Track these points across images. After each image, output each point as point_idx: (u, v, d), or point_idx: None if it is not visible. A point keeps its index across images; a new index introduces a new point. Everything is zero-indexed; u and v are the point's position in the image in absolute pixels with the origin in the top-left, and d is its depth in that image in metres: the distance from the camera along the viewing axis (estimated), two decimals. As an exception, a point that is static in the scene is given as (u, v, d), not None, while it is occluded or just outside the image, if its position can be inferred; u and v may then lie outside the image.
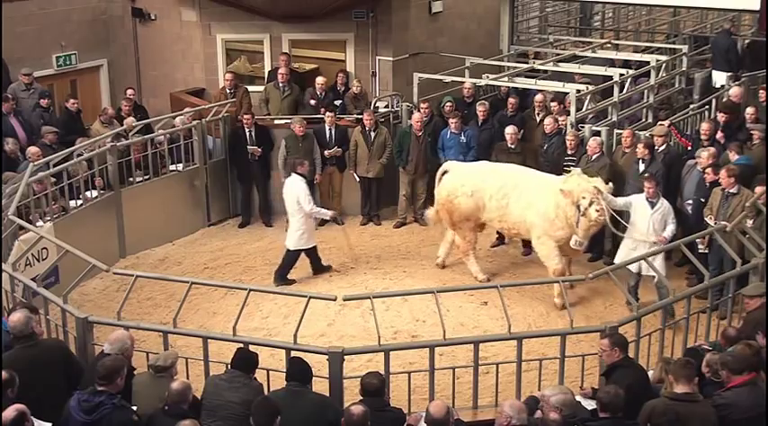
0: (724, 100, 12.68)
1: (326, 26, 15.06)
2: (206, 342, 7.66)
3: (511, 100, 13.25)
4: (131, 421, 6.15)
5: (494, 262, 12.02)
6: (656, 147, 11.20)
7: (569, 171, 10.88)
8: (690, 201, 10.75)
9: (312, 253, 11.54)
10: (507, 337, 7.79)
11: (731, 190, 9.94)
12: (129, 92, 14.14)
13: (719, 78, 14.87)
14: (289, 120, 13.17)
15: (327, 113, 13.04)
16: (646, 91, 13.78)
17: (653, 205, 10.08)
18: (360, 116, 13.26)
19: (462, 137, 12.61)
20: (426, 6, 16.05)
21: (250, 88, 14.32)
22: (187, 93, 15.10)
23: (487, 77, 13.69)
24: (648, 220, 10.03)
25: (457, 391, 7.85)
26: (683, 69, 14.76)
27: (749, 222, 9.26)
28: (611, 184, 10.23)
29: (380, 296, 9.69)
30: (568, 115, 12.38)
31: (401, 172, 13.13)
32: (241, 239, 13.00)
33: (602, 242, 11.59)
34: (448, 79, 13.90)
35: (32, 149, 11.48)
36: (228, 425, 6.47)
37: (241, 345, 7.20)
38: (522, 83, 13.67)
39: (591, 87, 13.15)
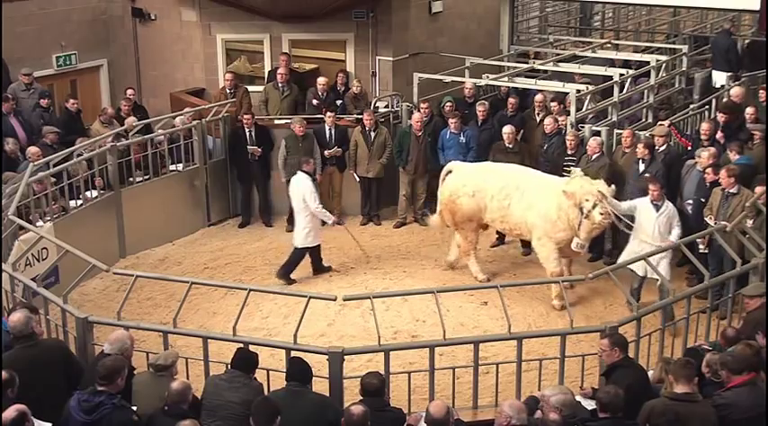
0: (724, 100, 12.68)
1: (326, 26, 15.06)
2: (206, 342, 7.66)
3: (511, 100, 13.25)
4: (131, 421, 6.15)
5: (494, 262, 12.03)
6: (657, 147, 11.20)
7: (569, 171, 10.89)
8: (690, 201, 10.75)
9: (314, 253, 11.56)
10: (507, 337, 7.79)
11: (731, 190, 9.93)
12: (129, 92, 14.15)
13: (719, 78, 14.88)
14: (289, 120, 13.17)
15: (328, 113, 13.05)
16: (646, 91, 13.78)
17: (658, 208, 10.02)
18: (360, 116, 13.26)
19: (462, 138, 12.61)
20: (426, 6, 16.05)
21: (250, 88, 14.32)
22: (187, 93, 15.11)
23: (487, 77, 13.69)
24: (654, 223, 9.98)
25: (457, 391, 7.85)
26: (683, 69, 14.76)
27: (749, 222, 9.25)
28: (613, 187, 10.21)
29: (380, 296, 9.69)
30: (568, 115, 12.39)
31: (401, 172, 13.13)
32: (241, 239, 13.01)
33: (602, 242, 11.59)
34: (448, 79, 13.90)
35: (32, 149, 11.48)
36: (228, 425, 6.47)
37: (241, 345, 7.20)
38: (522, 83, 13.67)
39: (591, 87, 13.15)
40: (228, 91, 13.81)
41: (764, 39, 14.37)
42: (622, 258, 10.17)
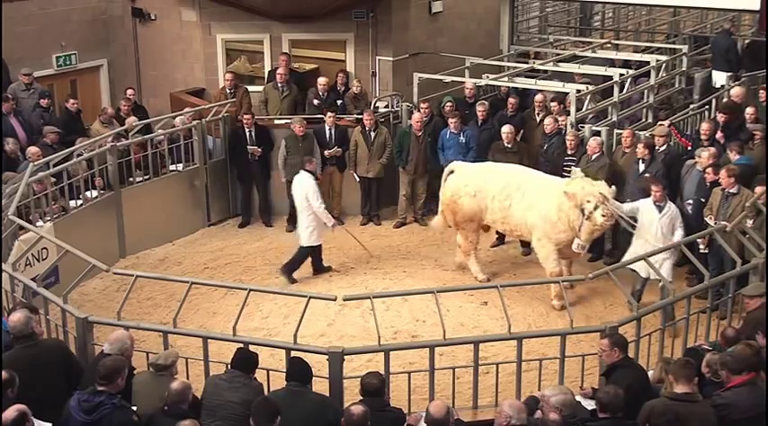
0: (725, 100, 12.68)
1: (326, 26, 15.06)
2: (206, 342, 7.66)
3: (511, 100, 13.25)
4: (131, 421, 6.15)
5: (494, 262, 12.02)
6: (657, 147, 11.20)
7: (569, 171, 10.88)
8: (690, 201, 10.74)
9: (315, 253, 11.56)
10: (507, 337, 7.79)
11: (731, 190, 9.93)
12: (129, 92, 14.15)
13: (719, 78, 14.88)
14: (289, 120, 13.17)
15: (328, 113, 13.05)
16: (646, 91, 13.78)
17: (660, 209, 10.00)
18: (360, 116, 13.26)
19: (461, 138, 12.61)
20: (426, 6, 16.05)
21: (250, 88, 14.32)
22: (187, 93, 15.10)
23: (487, 77, 13.69)
24: (656, 225, 9.96)
25: (457, 391, 7.84)
26: (683, 69, 14.76)
27: (749, 222, 9.25)
28: (613, 188, 10.19)
29: (380, 296, 9.69)
30: (568, 115, 12.39)
31: (401, 172, 13.13)
32: (241, 239, 13.01)
33: (602, 242, 11.59)
34: (448, 79, 13.90)
35: (32, 149, 11.48)
36: (228, 425, 6.47)
37: (241, 345, 7.21)
38: (522, 83, 13.67)
39: (591, 87, 13.15)
40: (228, 91, 13.81)
41: (764, 39, 14.37)
42: (625, 260, 10.14)
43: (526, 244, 11.78)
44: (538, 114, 12.83)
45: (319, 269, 11.66)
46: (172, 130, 12.90)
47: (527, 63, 15.09)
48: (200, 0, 15.06)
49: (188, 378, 7.42)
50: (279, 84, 13.87)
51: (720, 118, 11.74)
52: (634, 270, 9.97)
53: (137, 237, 12.33)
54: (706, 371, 6.69)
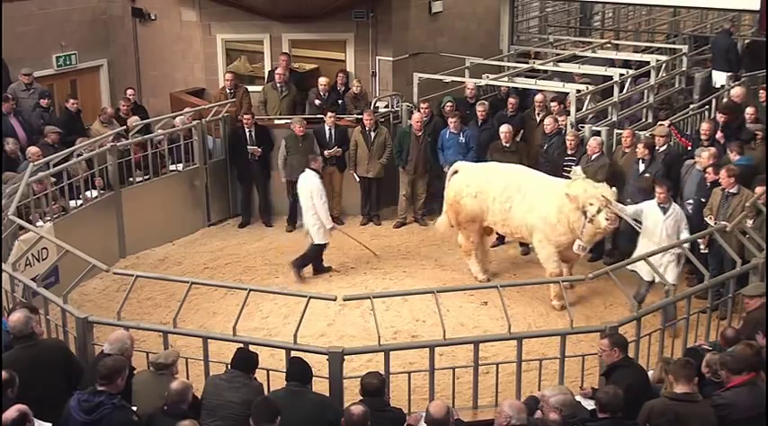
0: (725, 100, 12.68)
1: (326, 26, 15.06)
2: (206, 342, 7.66)
3: (511, 100, 13.25)
4: (131, 422, 6.15)
5: (494, 262, 12.02)
6: (657, 147, 11.20)
7: (569, 171, 10.87)
8: (690, 201, 10.74)
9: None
10: (507, 337, 7.79)
11: (731, 190, 9.93)
12: (129, 92, 14.15)
13: (719, 78, 14.88)
14: (288, 120, 13.17)
15: (328, 113, 13.04)
16: (646, 91, 13.78)
17: (665, 211, 9.94)
18: (360, 116, 13.26)
19: (461, 138, 12.61)
20: (426, 6, 16.05)
21: (250, 88, 14.32)
22: (187, 93, 15.11)
23: (487, 77, 13.69)
24: (661, 226, 9.90)
25: (457, 391, 7.85)
26: (683, 69, 14.76)
27: (749, 222, 9.25)
28: (614, 189, 10.16)
29: (380, 296, 9.69)
30: (568, 115, 12.38)
31: (401, 172, 13.13)
32: (241, 239, 13.01)
33: (603, 242, 11.57)
34: (448, 79, 13.89)
35: (32, 149, 11.48)
36: (228, 425, 6.47)
37: (241, 345, 7.21)
38: (522, 83, 13.67)
39: (591, 87, 13.14)
40: (228, 91, 13.81)
41: (764, 39, 14.37)
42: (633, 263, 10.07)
43: (525, 244, 11.77)
44: (538, 114, 12.82)
45: (319, 269, 11.66)
46: (172, 130, 12.90)
47: (527, 63, 15.09)
48: (200, 0, 15.07)
49: (188, 378, 7.43)
50: (278, 85, 13.87)
51: (720, 118, 11.74)
52: (635, 271, 9.95)
53: (137, 237, 12.33)
54: (706, 371, 6.69)
